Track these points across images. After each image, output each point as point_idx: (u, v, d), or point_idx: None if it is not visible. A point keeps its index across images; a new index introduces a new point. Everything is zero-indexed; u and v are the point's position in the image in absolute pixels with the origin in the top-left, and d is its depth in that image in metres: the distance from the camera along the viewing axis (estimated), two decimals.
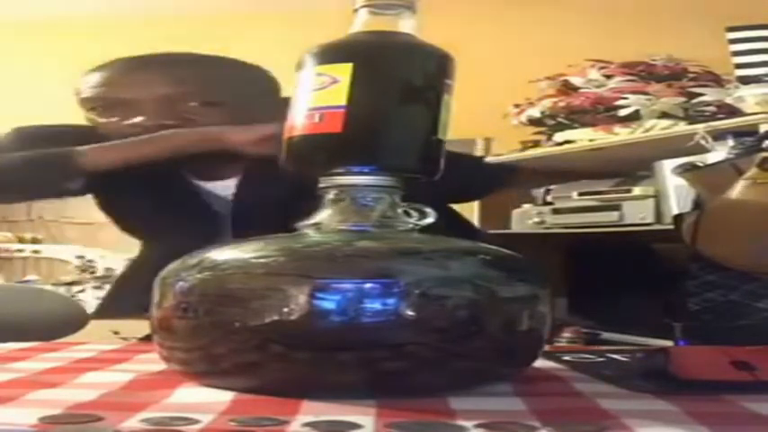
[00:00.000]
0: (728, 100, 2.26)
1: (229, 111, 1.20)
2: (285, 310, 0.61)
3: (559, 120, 2.71)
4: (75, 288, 3.25)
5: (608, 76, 2.61)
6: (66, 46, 3.64)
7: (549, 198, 2.81)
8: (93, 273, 3.35)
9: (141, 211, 1.35)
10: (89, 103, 1.24)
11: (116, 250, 3.14)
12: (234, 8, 3.44)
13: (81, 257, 3.32)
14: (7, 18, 3.63)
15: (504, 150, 2.68)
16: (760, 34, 2.20)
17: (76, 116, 1.33)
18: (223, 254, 0.68)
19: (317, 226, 0.70)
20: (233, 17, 3.40)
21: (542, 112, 2.74)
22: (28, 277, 3.41)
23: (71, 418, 0.54)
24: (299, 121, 0.71)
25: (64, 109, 1.42)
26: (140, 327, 0.94)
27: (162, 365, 0.71)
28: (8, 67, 3.69)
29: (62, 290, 3.04)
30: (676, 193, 2.26)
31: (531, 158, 2.73)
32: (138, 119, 1.19)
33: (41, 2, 3.53)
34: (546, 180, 2.59)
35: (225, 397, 0.61)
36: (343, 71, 0.69)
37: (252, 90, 1.24)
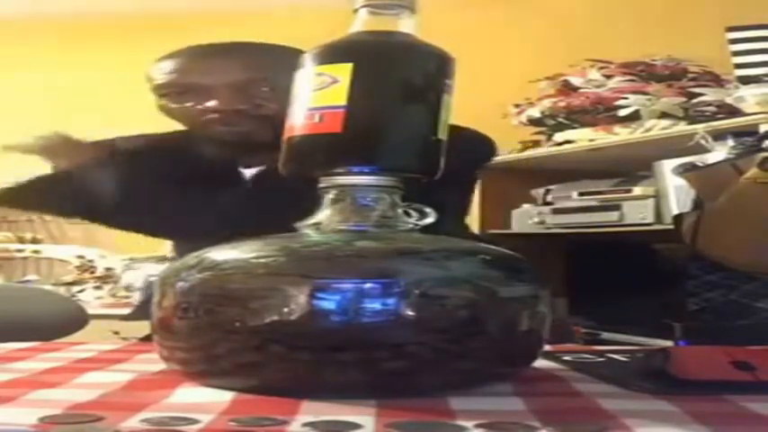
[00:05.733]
0: (728, 100, 2.26)
1: None
2: (285, 310, 0.61)
3: (559, 120, 2.71)
4: (75, 288, 3.25)
5: (608, 76, 2.61)
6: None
7: (549, 198, 2.81)
8: (93, 273, 3.34)
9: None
10: (162, 89, 1.26)
11: (116, 250, 3.13)
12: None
13: (81, 257, 3.32)
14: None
15: (505, 150, 2.68)
16: (760, 34, 2.20)
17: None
18: (223, 254, 0.68)
19: (316, 226, 0.70)
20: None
21: (542, 112, 2.74)
22: (28, 277, 3.40)
23: (71, 418, 0.54)
24: (298, 121, 0.71)
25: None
26: (140, 327, 0.94)
27: (162, 365, 0.71)
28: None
29: (62, 290, 3.04)
30: (676, 193, 2.26)
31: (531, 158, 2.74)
32: (212, 103, 1.21)
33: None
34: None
35: (225, 397, 0.61)
36: (343, 71, 0.69)
37: None
